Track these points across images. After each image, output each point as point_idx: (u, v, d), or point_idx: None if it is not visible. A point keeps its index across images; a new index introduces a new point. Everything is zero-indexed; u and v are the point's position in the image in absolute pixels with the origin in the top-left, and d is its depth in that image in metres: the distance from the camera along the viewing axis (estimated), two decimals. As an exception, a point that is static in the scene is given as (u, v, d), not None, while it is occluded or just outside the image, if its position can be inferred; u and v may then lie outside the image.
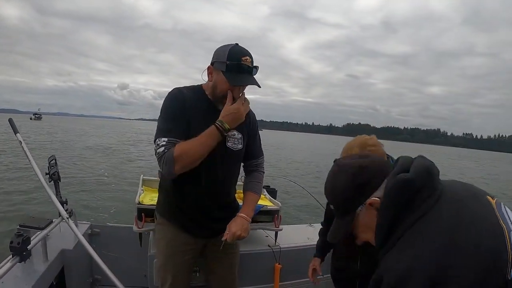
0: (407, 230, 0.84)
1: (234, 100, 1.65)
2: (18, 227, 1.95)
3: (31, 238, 1.75)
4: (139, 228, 2.26)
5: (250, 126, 1.87)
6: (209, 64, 1.68)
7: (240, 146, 1.80)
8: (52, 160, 2.23)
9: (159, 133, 1.61)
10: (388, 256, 0.86)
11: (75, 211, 2.29)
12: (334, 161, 1.08)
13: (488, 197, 0.87)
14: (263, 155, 2.00)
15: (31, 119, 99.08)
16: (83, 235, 1.95)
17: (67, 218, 1.94)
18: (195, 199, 1.74)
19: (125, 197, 9.51)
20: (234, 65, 1.58)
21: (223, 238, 1.66)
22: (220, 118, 1.62)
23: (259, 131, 1.97)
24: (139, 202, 2.34)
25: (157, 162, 1.62)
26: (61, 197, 2.06)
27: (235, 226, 1.68)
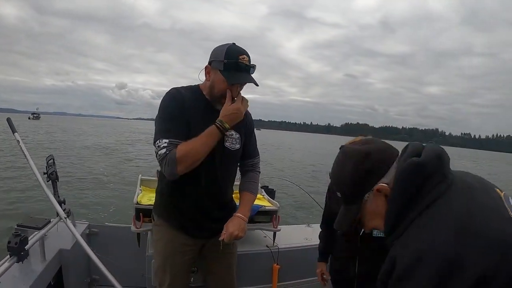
0: (418, 215, 0.84)
1: (232, 99, 1.65)
2: (16, 226, 1.94)
3: (29, 238, 1.74)
4: (137, 228, 2.25)
5: (247, 126, 1.88)
6: (207, 64, 1.68)
7: (237, 146, 1.80)
8: (50, 159, 2.22)
9: (159, 134, 1.60)
10: (400, 242, 0.85)
11: (73, 211, 2.28)
12: (340, 148, 1.07)
13: (497, 189, 0.87)
14: (258, 155, 2.00)
15: (29, 118, 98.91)
16: (81, 235, 1.94)
17: (65, 218, 1.93)
18: (194, 200, 1.74)
19: (123, 197, 9.48)
20: (232, 63, 1.58)
21: (221, 238, 1.66)
22: (219, 117, 1.62)
23: (257, 131, 1.97)
24: (137, 202, 2.34)
25: (159, 164, 1.62)
26: (59, 197, 2.06)
27: (232, 226, 1.68)
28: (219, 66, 1.60)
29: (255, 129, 1.98)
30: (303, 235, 3.01)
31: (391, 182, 0.91)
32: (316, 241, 2.74)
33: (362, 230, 1.73)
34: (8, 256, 1.57)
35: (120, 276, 1.68)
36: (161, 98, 1.70)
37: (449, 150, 0.96)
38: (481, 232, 0.73)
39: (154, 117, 1.71)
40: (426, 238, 0.78)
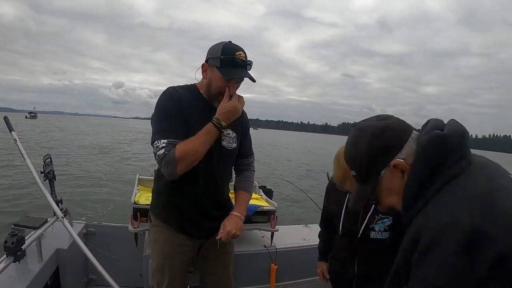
0: (440, 190, 0.83)
1: (230, 97, 1.65)
2: (12, 226, 1.93)
3: (26, 238, 1.74)
4: (134, 228, 2.25)
5: (243, 124, 1.88)
6: (203, 62, 1.69)
7: (234, 145, 1.80)
8: (47, 158, 2.21)
9: (157, 135, 1.59)
10: (422, 215, 0.84)
11: (70, 210, 2.27)
12: (353, 126, 1.05)
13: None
14: (253, 154, 2.01)
15: (26, 117, 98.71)
16: (78, 234, 1.94)
17: (62, 217, 1.93)
18: (193, 199, 1.73)
19: (120, 197, 9.47)
20: (228, 59, 1.59)
21: (218, 237, 1.66)
22: (216, 115, 1.62)
23: (254, 130, 1.97)
24: (134, 201, 2.33)
25: (158, 164, 1.61)
26: (56, 196, 2.05)
27: (230, 225, 1.68)
28: (216, 62, 1.61)
29: (252, 128, 1.98)
30: (301, 235, 3.01)
31: (408, 158, 0.91)
32: (314, 241, 2.74)
33: (361, 231, 1.73)
34: (5, 256, 1.57)
35: (118, 276, 1.68)
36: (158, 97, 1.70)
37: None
38: (505, 210, 0.73)
39: (151, 116, 1.70)
40: (450, 211, 0.77)
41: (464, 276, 0.70)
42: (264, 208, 2.63)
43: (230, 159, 1.85)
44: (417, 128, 0.99)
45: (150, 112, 1.70)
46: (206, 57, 1.67)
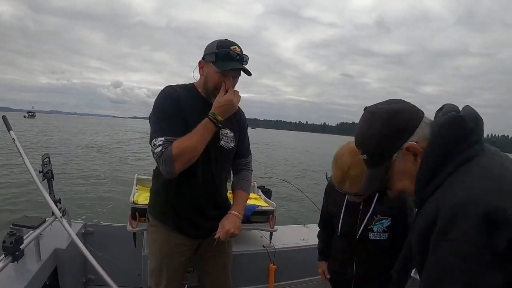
0: (455, 171, 0.84)
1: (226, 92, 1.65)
2: (11, 226, 1.93)
3: (24, 238, 1.73)
4: (133, 227, 2.24)
5: (241, 124, 1.88)
6: (200, 59, 1.70)
7: (232, 145, 1.80)
8: (46, 158, 2.21)
9: (155, 133, 1.59)
10: (439, 195, 0.84)
11: (69, 210, 2.27)
12: (364, 109, 1.05)
13: None
14: (251, 154, 2.01)
15: (24, 117, 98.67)
16: (76, 234, 1.93)
17: (61, 217, 1.92)
18: (191, 198, 1.73)
19: (119, 196, 9.46)
20: (224, 53, 1.60)
21: (216, 236, 1.66)
22: (212, 110, 1.61)
23: (253, 130, 1.97)
24: (133, 201, 2.33)
25: (156, 163, 1.60)
26: (54, 196, 2.05)
27: (228, 224, 1.68)
28: (211, 58, 1.62)
29: (250, 128, 1.98)
30: (300, 235, 3.01)
31: (420, 141, 0.91)
32: (312, 241, 2.74)
33: (360, 232, 1.74)
34: (3, 255, 1.56)
35: (116, 276, 1.68)
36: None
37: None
38: None
39: (149, 115, 1.69)
40: (468, 191, 0.77)
41: (483, 254, 0.70)
42: (263, 208, 2.63)
43: (228, 158, 1.85)
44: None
45: (148, 111, 1.70)
46: (203, 54, 1.68)
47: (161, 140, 1.55)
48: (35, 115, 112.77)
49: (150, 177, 2.90)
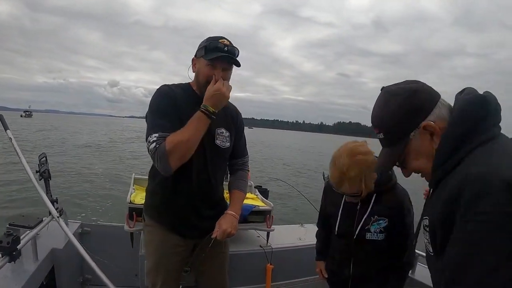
0: (475, 149, 0.85)
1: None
2: (8, 226, 1.93)
3: (21, 237, 1.73)
4: (130, 227, 2.24)
5: (237, 125, 1.88)
6: (193, 57, 1.72)
7: (228, 144, 1.80)
8: (43, 157, 2.20)
9: (150, 130, 1.59)
10: (459, 172, 0.84)
11: (66, 210, 2.26)
12: (381, 89, 1.05)
13: None
14: (248, 154, 2.01)
15: (21, 116, 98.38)
16: (73, 234, 1.93)
17: (58, 217, 1.92)
18: (186, 198, 1.73)
19: (116, 196, 9.45)
20: (213, 45, 1.61)
21: (213, 236, 1.66)
22: (203, 102, 1.61)
23: (249, 129, 1.97)
24: (130, 201, 2.33)
25: (152, 160, 1.60)
26: (51, 196, 2.04)
27: (225, 223, 1.68)
28: (201, 52, 1.63)
29: (247, 127, 1.98)
30: (297, 235, 3.02)
31: (437, 121, 0.92)
32: (309, 241, 2.75)
33: (357, 232, 1.74)
34: (0, 255, 1.56)
35: (113, 276, 1.68)
36: None
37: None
38: None
39: (146, 114, 1.69)
40: (494, 166, 0.78)
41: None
42: (260, 208, 2.63)
43: (224, 158, 1.85)
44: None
45: (145, 111, 1.70)
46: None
47: (155, 137, 1.55)
48: (32, 115, 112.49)
49: (147, 177, 2.91)
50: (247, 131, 2.02)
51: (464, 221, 0.77)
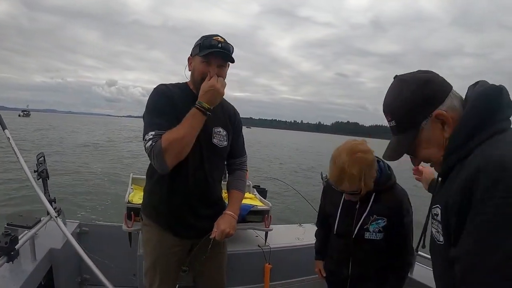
0: (489, 138, 0.85)
1: None
2: (6, 226, 1.92)
3: (19, 237, 1.73)
4: (128, 227, 2.24)
5: (235, 124, 1.88)
6: (189, 56, 1.74)
7: (225, 143, 1.80)
8: (41, 157, 2.20)
9: (147, 128, 1.59)
10: (473, 159, 0.84)
11: (64, 210, 2.26)
12: (394, 77, 1.07)
13: None
14: (246, 154, 2.02)
15: (19, 115, 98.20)
16: (71, 234, 1.93)
17: (56, 216, 1.91)
18: (183, 197, 1.73)
19: (114, 196, 9.44)
20: (206, 42, 1.62)
21: (212, 236, 1.65)
22: (198, 99, 1.61)
23: (247, 129, 1.97)
24: (128, 201, 2.32)
25: (149, 158, 1.60)
26: (49, 195, 2.03)
27: (224, 224, 1.68)
28: (196, 50, 1.65)
29: (245, 127, 1.98)
30: (295, 234, 3.02)
31: (449, 111, 0.94)
32: (307, 240, 2.75)
33: (356, 231, 1.75)
34: None
35: (112, 276, 1.67)
36: None
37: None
38: None
39: (143, 114, 1.70)
40: (509, 149, 0.79)
41: None
42: (258, 207, 2.63)
43: (221, 157, 1.85)
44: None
45: (143, 110, 1.70)
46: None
47: (151, 135, 1.56)
48: (30, 114, 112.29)
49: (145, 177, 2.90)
50: (245, 130, 2.02)
51: (482, 206, 0.78)
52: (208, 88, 1.60)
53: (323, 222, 2.03)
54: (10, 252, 1.55)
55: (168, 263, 1.79)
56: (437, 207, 0.97)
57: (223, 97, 1.70)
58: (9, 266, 1.72)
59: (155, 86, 1.72)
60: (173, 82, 1.79)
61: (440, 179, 1.05)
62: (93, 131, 49.91)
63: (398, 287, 1.80)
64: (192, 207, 1.76)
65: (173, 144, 1.52)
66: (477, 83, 0.99)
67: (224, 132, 1.79)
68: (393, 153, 1.07)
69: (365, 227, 1.73)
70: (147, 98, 1.72)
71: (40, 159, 2.18)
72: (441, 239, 0.95)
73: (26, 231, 1.90)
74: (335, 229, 1.84)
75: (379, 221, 1.72)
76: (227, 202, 1.88)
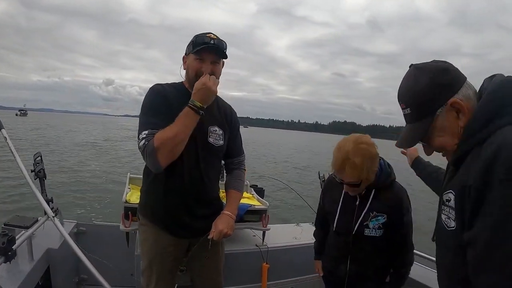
0: (504, 126, 0.86)
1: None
2: (3, 226, 1.92)
3: (16, 238, 1.72)
4: (126, 227, 2.24)
5: (232, 123, 1.88)
6: (183, 55, 1.75)
7: (221, 142, 1.79)
8: (38, 157, 2.19)
9: (141, 128, 1.59)
10: (491, 144, 0.85)
11: (61, 209, 2.25)
12: (410, 66, 1.07)
13: None
14: (244, 153, 2.01)
15: (16, 115, 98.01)
16: (69, 234, 1.93)
17: (53, 216, 1.91)
18: (178, 196, 1.72)
19: (111, 196, 9.42)
20: (199, 39, 1.63)
21: (210, 236, 1.65)
22: (191, 97, 1.60)
23: (244, 128, 1.97)
24: (126, 200, 2.32)
25: (142, 157, 1.60)
26: (46, 195, 2.04)
27: (221, 224, 1.68)
28: (190, 48, 1.66)
29: (242, 126, 1.98)
30: (292, 234, 3.02)
31: (463, 100, 0.95)
32: (305, 240, 2.75)
33: (356, 228, 1.75)
34: None
35: (109, 276, 1.67)
36: None
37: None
38: None
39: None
40: None
41: None
42: (256, 207, 2.63)
43: (217, 156, 1.84)
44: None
45: (140, 109, 1.70)
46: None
47: (145, 134, 1.56)
48: (27, 113, 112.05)
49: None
50: (242, 130, 2.02)
51: (502, 186, 0.78)
52: (201, 86, 1.60)
53: (322, 222, 2.04)
54: (7, 252, 1.55)
55: (165, 263, 1.79)
56: (450, 192, 0.98)
57: (220, 96, 1.70)
58: (7, 267, 1.72)
59: (152, 85, 1.73)
60: (170, 82, 1.79)
61: (450, 169, 1.06)
62: (90, 130, 49.81)
63: (399, 286, 1.81)
64: (188, 207, 1.75)
65: (165, 143, 1.52)
66: (494, 75, 0.99)
67: (220, 131, 1.79)
68: (407, 141, 1.08)
69: (365, 223, 1.74)
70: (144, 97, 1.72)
71: (37, 159, 2.17)
72: (452, 224, 0.95)
73: (24, 231, 1.89)
74: (334, 226, 1.84)
75: (379, 217, 1.72)
76: (225, 202, 1.88)
